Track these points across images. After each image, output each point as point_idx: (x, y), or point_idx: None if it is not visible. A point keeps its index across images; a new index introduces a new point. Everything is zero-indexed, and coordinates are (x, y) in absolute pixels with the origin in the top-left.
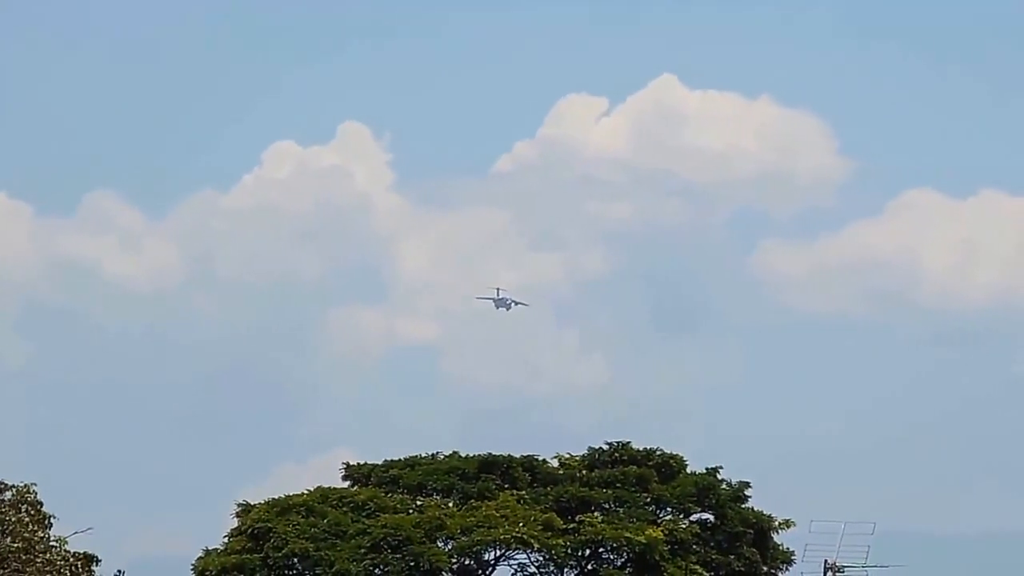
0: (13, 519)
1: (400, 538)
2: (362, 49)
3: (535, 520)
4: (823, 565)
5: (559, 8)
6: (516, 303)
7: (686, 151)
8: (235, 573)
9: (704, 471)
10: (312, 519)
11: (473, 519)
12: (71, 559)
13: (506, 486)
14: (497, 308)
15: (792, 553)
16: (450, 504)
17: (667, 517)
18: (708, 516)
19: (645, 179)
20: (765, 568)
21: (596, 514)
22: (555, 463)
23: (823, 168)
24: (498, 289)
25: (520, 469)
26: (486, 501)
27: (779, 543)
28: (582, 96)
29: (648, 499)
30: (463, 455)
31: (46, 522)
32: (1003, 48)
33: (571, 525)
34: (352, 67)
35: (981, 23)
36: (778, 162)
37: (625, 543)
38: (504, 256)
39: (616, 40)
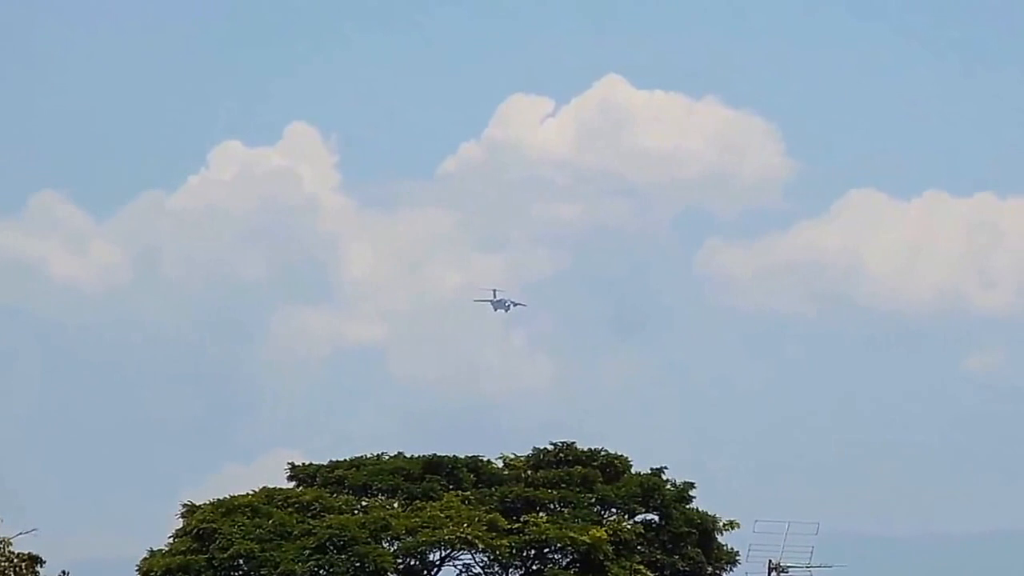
0: None
1: (345, 539)
2: (310, 52)
3: (480, 520)
4: (767, 565)
5: (505, 9)
6: (515, 304)
7: (631, 151)
8: (180, 574)
9: (649, 471)
10: (257, 520)
11: (418, 520)
12: (15, 560)
13: (451, 487)
14: (496, 310)
15: (736, 553)
16: (395, 505)
17: (612, 517)
18: (653, 516)
19: (590, 180)
20: (709, 568)
21: (541, 514)
22: (500, 463)
23: (768, 169)
24: (495, 290)
25: (465, 470)
26: (431, 502)
27: (723, 543)
28: (528, 97)
29: (593, 499)
30: (408, 456)
31: None
32: (948, 52)
33: (516, 525)
34: (300, 69)
35: (927, 27)
36: (724, 163)
37: (570, 543)
38: (449, 257)
39: (562, 40)
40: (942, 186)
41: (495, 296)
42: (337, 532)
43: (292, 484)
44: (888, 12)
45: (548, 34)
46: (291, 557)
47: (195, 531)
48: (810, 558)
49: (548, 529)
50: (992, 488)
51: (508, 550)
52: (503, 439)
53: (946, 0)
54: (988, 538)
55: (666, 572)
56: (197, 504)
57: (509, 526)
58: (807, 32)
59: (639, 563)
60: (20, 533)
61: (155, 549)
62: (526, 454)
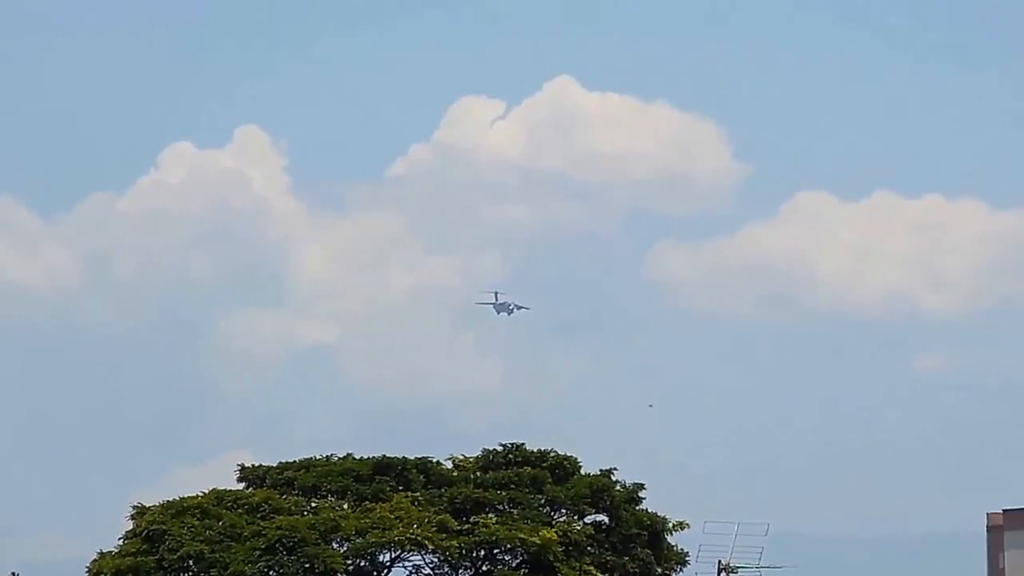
0: None
1: (295, 540)
2: (260, 54)
3: (429, 522)
4: (717, 566)
5: (456, 10)
6: (518, 307)
7: (582, 154)
8: (129, 575)
9: (598, 472)
10: (207, 521)
11: (368, 521)
12: None
13: (400, 488)
14: (499, 313)
15: (686, 554)
16: (345, 506)
17: (561, 518)
18: (602, 517)
19: (540, 182)
20: (659, 569)
21: (490, 515)
22: (449, 465)
23: (719, 172)
24: (496, 293)
25: (415, 471)
26: (381, 503)
27: (673, 544)
28: (478, 99)
29: (542, 500)
30: (358, 457)
31: None
32: (896, 53)
33: (465, 526)
34: (250, 72)
35: (875, 30)
36: (674, 166)
37: (519, 544)
38: (400, 259)
39: (513, 41)
40: (891, 187)
41: (496, 299)
42: (287, 533)
43: (242, 485)
44: (835, 15)
45: (499, 35)
46: (241, 558)
47: (145, 533)
48: (759, 559)
49: (498, 530)
50: (941, 489)
51: (458, 551)
52: (453, 440)
53: (893, 1)
54: (936, 539)
55: (616, 573)
56: (147, 506)
57: (459, 527)
58: (757, 36)
59: (589, 564)
60: None
61: (105, 551)
62: (476, 455)
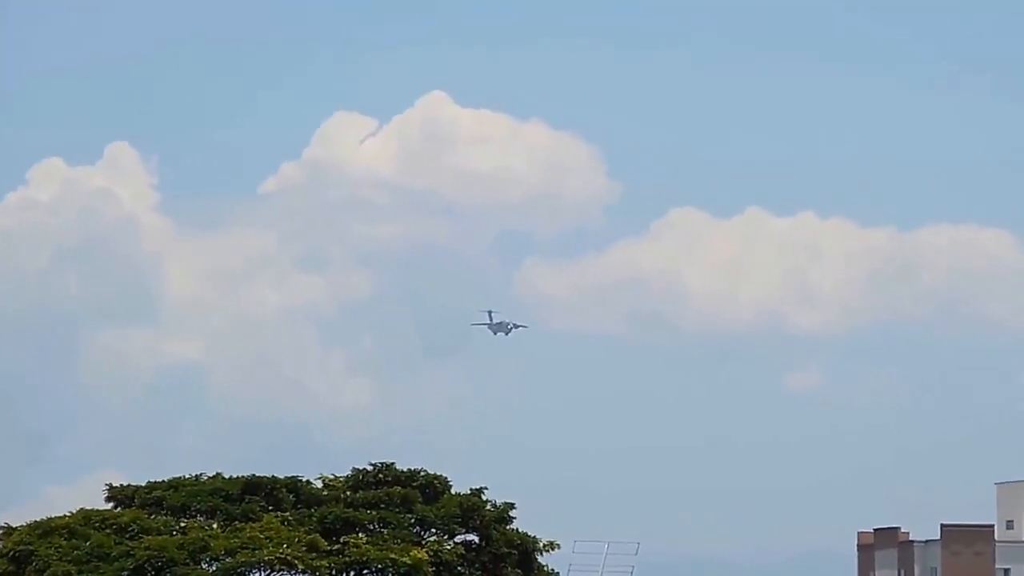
0: None
1: (163, 560)
2: (131, 69)
3: (299, 541)
4: None
5: (327, 24)
6: (516, 326)
7: (453, 172)
8: None
9: (469, 492)
10: (75, 541)
11: (237, 540)
12: None
13: (270, 507)
14: (495, 333)
15: (557, 574)
16: (214, 525)
17: (432, 538)
18: (473, 537)
19: (411, 200)
20: None
21: (361, 535)
22: (319, 484)
23: (591, 190)
24: (490, 312)
25: (284, 490)
26: (250, 522)
27: (544, 564)
28: (350, 115)
29: (413, 520)
30: (227, 476)
31: None
32: (766, 68)
33: (336, 546)
34: (121, 88)
35: (738, 43)
36: (546, 184)
37: (390, 564)
38: (270, 276)
39: (385, 56)
40: (763, 204)
41: (491, 319)
42: (155, 554)
43: (110, 505)
44: (711, 31)
45: (371, 50)
46: None
47: (12, 553)
48: None
49: (368, 550)
50: (812, 508)
51: (328, 571)
52: (322, 459)
53: (762, 12)
54: (807, 558)
55: None
56: (14, 526)
57: (329, 547)
58: (632, 54)
59: None
60: None
61: None
62: (345, 475)
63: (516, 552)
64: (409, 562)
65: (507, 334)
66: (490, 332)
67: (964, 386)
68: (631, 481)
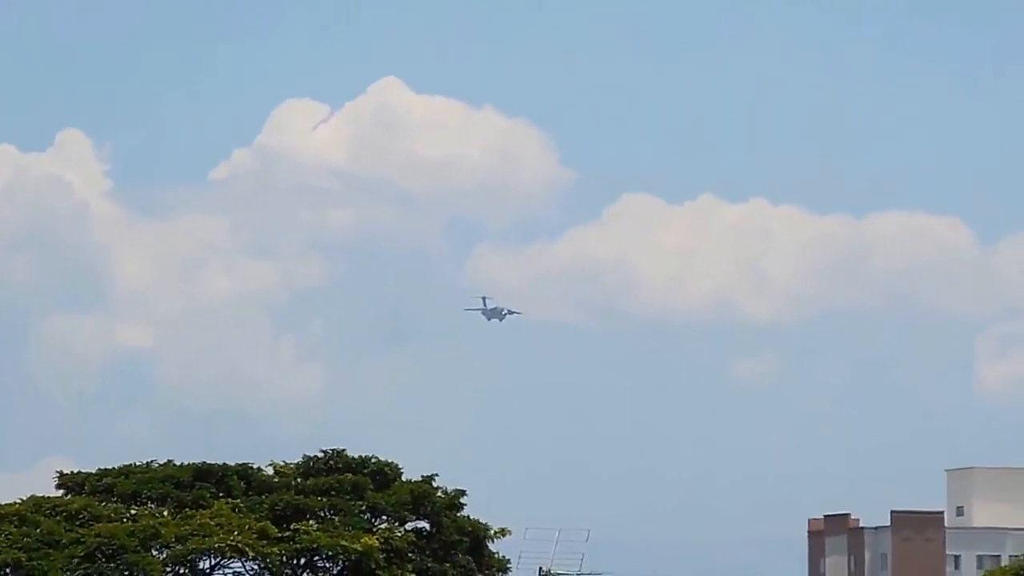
0: None
1: (114, 547)
2: (84, 56)
3: (250, 528)
4: (538, 572)
5: (280, 10)
6: (510, 312)
7: (406, 159)
8: None
9: (419, 479)
10: (25, 528)
11: (188, 527)
12: None
13: (221, 494)
14: (489, 320)
15: (508, 560)
16: (165, 512)
17: (383, 525)
18: (424, 524)
19: (363, 187)
20: (481, 575)
21: (311, 522)
22: (270, 471)
23: (544, 177)
24: (484, 298)
25: (235, 477)
26: (201, 509)
27: (495, 551)
28: (302, 102)
29: (363, 507)
30: (178, 463)
31: None
32: (719, 57)
33: (286, 533)
34: (73, 74)
35: (689, 31)
36: (498, 172)
37: (341, 551)
38: (221, 263)
39: (337, 41)
40: (715, 191)
41: (485, 304)
42: (106, 540)
43: (61, 492)
44: (662, 19)
45: (324, 36)
46: (59, 566)
47: None
48: (580, 565)
49: (319, 537)
50: (763, 494)
51: (278, 558)
52: (273, 446)
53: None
54: (759, 544)
55: None
56: None
57: (280, 534)
58: (584, 41)
59: (410, 571)
60: None
61: None
62: (296, 462)
63: (467, 539)
64: (360, 549)
65: (501, 320)
66: (484, 318)
67: (915, 373)
68: (581, 468)
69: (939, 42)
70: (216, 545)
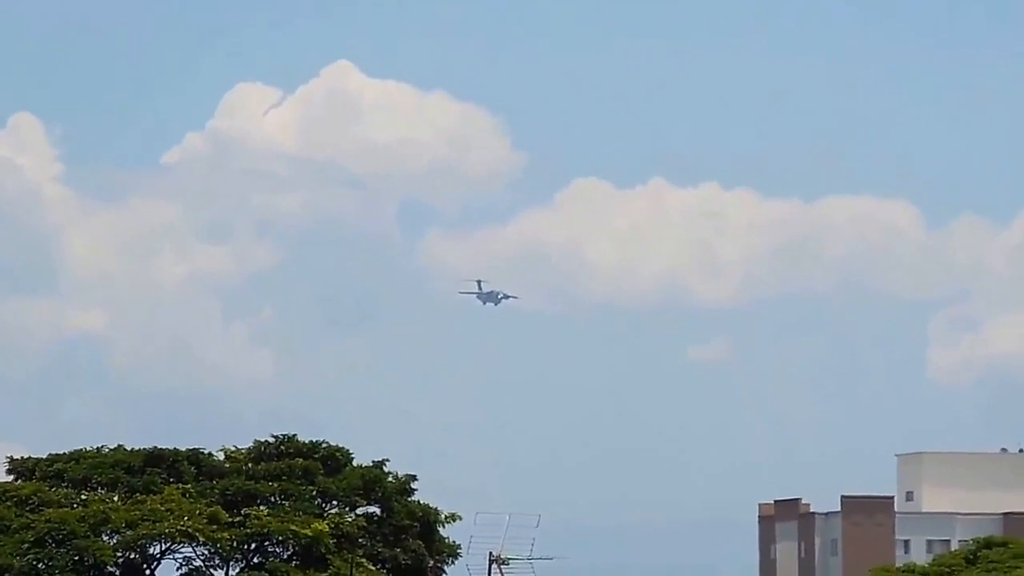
0: None
1: (64, 532)
2: (34, 39)
3: (200, 514)
4: (488, 557)
5: None
6: (506, 296)
7: (357, 143)
8: None
9: (370, 464)
10: None
11: (138, 513)
12: None
13: (171, 479)
14: (484, 303)
15: (458, 546)
16: (115, 498)
17: (333, 510)
18: (374, 509)
19: (315, 171)
20: (431, 561)
21: (262, 507)
22: (221, 456)
23: (495, 161)
24: (479, 282)
25: (186, 462)
26: (151, 495)
27: (445, 536)
28: (254, 86)
29: (314, 492)
30: (129, 448)
31: None
32: (671, 42)
33: (237, 518)
34: (25, 57)
35: (641, 15)
36: (450, 156)
37: (291, 536)
38: (173, 247)
39: (290, 24)
40: (666, 175)
41: (480, 288)
42: (56, 526)
43: (11, 478)
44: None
45: (276, 19)
46: (9, 551)
47: None
48: (531, 550)
49: (269, 522)
50: (715, 478)
51: (229, 543)
52: (224, 432)
53: None
54: (710, 528)
55: (388, 565)
56: None
57: (230, 519)
58: (536, 26)
59: (361, 556)
60: None
61: None
62: (247, 447)
63: (417, 524)
64: (310, 534)
65: (496, 304)
66: (479, 302)
67: (866, 358)
68: (532, 452)
69: (888, 27)
70: (166, 530)
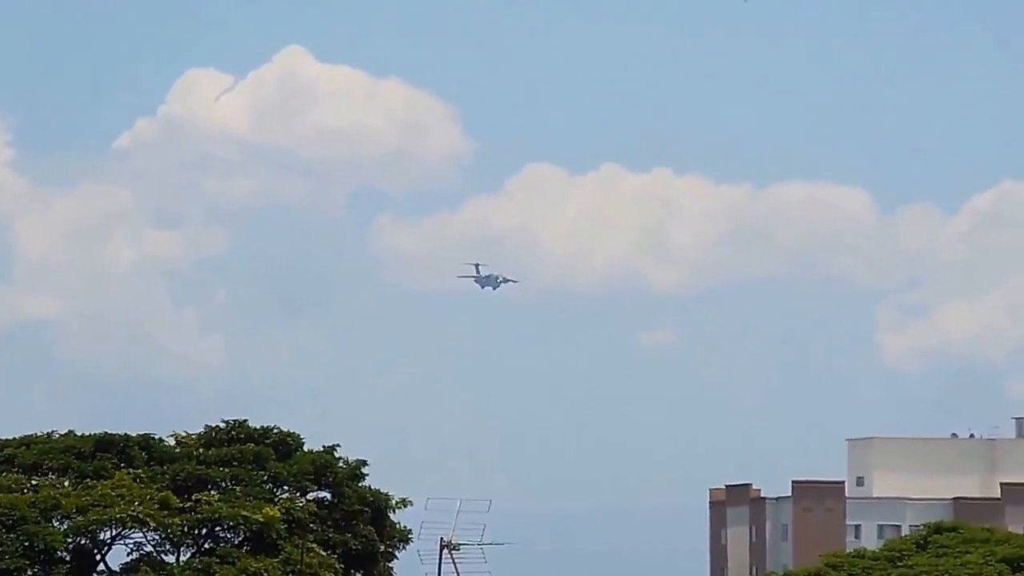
0: None
1: (14, 518)
2: None
3: (151, 499)
4: (439, 543)
5: None
6: (505, 280)
7: (309, 129)
8: None
9: (321, 449)
10: None
11: (89, 498)
12: None
13: (122, 465)
14: (483, 288)
15: (409, 531)
16: (66, 483)
17: (284, 495)
18: (325, 494)
19: (266, 157)
20: (382, 546)
21: (213, 493)
22: (172, 441)
23: (446, 147)
24: (477, 265)
25: (137, 448)
26: (102, 480)
27: (396, 521)
28: (205, 71)
29: (265, 477)
30: (79, 434)
31: None
32: (624, 27)
33: (188, 504)
34: None
35: (594, 2)
36: (402, 142)
37: (242, 521)
38: (125, 233)
39: (243, 10)
40: (618, 160)
41: (478, 272)
42: (6, 511)
43: None
44: None
45: (229, 4)
46: None
47: None
48: (481, 535)
49: (220, 508)
50: (665, 464)
51: (180, 528)
52: (175, 417)
53: None
54: (660, 513)
55: (338, 550)
56: None
57: (181, 504)
58: (487, 13)
59: (312, 541)
60: None
61: None
62: (198, 432)
63: (368, 509)
64: (261, 519)
65: (495, 288)
66: (477, 286)
67: (817, 343)
68: (483, 438)
69: (840, 16)
70: (117, 516)
